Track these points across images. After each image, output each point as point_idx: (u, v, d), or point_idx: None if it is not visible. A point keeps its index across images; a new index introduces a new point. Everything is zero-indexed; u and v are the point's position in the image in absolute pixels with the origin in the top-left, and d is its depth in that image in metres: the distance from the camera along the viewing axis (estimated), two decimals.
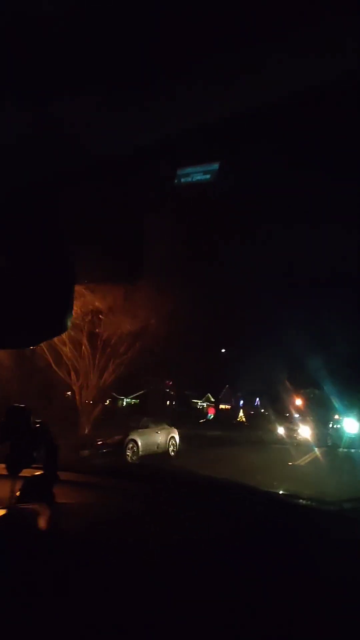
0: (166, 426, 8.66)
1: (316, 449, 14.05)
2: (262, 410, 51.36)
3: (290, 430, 16.61)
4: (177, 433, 8.77)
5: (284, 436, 16.49)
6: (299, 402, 44.75)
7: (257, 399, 52.24)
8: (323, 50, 1.15)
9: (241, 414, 34.20)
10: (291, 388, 42.19)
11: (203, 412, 29.90)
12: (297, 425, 17.23)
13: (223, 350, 27.74)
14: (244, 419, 31.54)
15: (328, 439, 17.80)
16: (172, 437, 8.44)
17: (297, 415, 45.66)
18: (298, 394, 44.61)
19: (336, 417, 58.23)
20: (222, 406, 38.02)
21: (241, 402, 46.84)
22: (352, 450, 15.42)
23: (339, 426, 50.00)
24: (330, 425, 50.05)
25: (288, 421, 17.88)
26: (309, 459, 11.11)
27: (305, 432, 16.69)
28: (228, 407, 38.52)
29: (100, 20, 1.09)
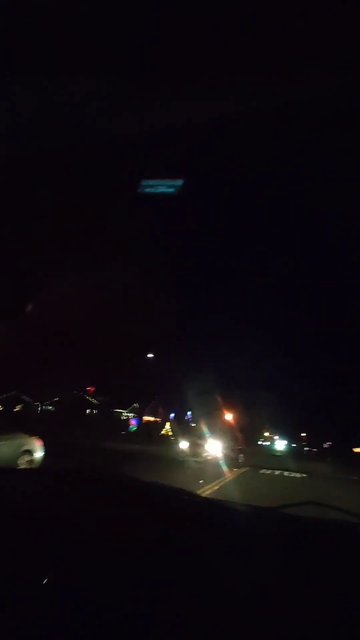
0: (19, 436, 6.11)
1: (229, 471, 11.18)
2: (193, 425, 49.78)
3: (197, 447, 13.28)
4: (38, 445, 6.27)
5: (190, 453, 12.97)
6: (229, 417, 43.69)
7: (189, 413, 50.55)
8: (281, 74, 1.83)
9: (168, 426, 31.87)
10: (222, 403, 41.03)
11: (127, 423, 27.19)
12: (205, 441, 13.76)
13: (150, 356, 25.37)
14: (170, 433, 29.20)
15: (240, 458, 14.90)
16: (27, 451, 5.92)
17: (217, 431, 44.12)
18: (229, 410, 43.74)
19: (266, 434, 58.27)
20: (148, 418, 35.45)
21: (172, 414, 44.68)
22: (277, 472, 13.02)
23: (266, 443, 49.58)
24: (260, 442, 49.42)
25: (199, 436, 14.33)
26: (217, 487, 8.12)
27: (215, 449, 13.42)
28: (157, 419, 36.02)
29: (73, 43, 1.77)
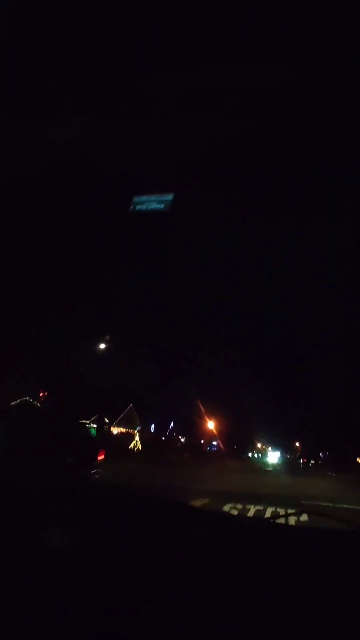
0: None
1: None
2: (176, 435, 44.79)
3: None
4: None
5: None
6: (211, 425, 38.87)
7: (172, 424, 45.58)
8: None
9: (137, 438, 26.98)
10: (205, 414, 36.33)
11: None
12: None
13: (106, 341, 20.52)
14: (139, 446, 24.30)
15: None
16: None
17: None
18: (212, 419, 39.08)
19: (259, 445, 53.19)
20: (117, 430, 30.43)
21: (152, 426, 39.76)
22: (254, 511, 5.54)
23: (257, 455, 44.57)
24: (248, 455, 44.45)
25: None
26: None
27: None
28: (131, 430, 31.00)
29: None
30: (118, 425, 32.51)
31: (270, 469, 21.40)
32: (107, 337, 27.76)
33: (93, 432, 22.67)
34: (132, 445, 24.66)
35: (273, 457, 40.37)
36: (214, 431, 40.75)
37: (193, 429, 43.59)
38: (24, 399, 24.51)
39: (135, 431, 30.03)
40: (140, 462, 18.69)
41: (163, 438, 37.21)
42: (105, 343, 24.29)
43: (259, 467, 23.01)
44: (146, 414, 38.34)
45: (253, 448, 50.65)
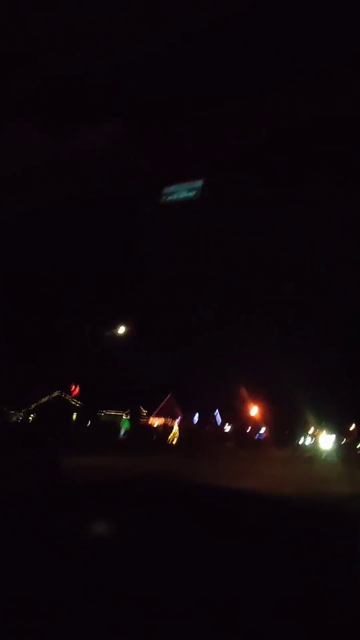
0: None
1: None
2: (221, 424, 42.89)
3: None
4: None
5: None
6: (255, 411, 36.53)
7: (216, 412, 43.75)
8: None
9: (175, 429, 25.37)
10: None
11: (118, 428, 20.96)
12: None
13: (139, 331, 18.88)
14: (176, 438, 22.70)
15: None
16: None
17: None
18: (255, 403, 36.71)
19: (311, 430, 50.08)
20: (155, 420, 29.07)
21: (196, 415, 38.15)
22: None
23: (310, 442, 41.68)
24: (301, 442, 41.68)
25: None
26: None
27: None
28: (170, 421, 29.56)
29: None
30: (157, 416, 31.21)
31: (323, 456, 19.02)
32: (138, 326, 26.31)
33: (126, 424, 21.37)
34: (170, 437, 23.14)
35: (327, 442, 37.37)
36: (261, 417, 38.50)
37: (239, 416, 41.57)
38: (56, 393, 23.64)
39: (175, 422, 28.52)
40: (175, 455, 17.09)
41: (207, 427, 35.44)
42: (138, 333, 22.77)
43: (311, 455, 20.63)
44: (189, 404, 36.83)
45: (305, 433, 47.72)
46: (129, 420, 22.58)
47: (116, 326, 19.24)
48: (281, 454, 20.01)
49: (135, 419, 24.53)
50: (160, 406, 32.29)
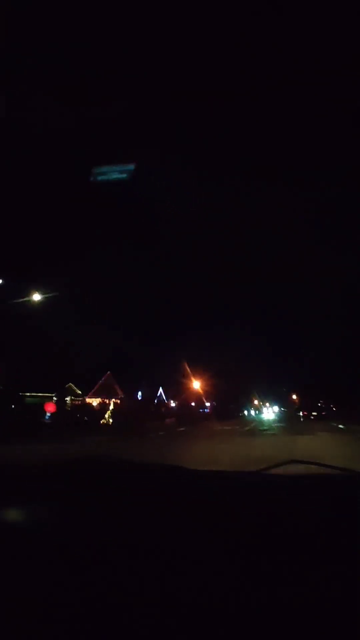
0: None
1: None
2: (167, 401, 41.73)
3: None
4: None
5: None
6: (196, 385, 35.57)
7: (160, 389, 42.37)
8: None
9: (111, 408, 23.39)
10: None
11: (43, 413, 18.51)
12: None
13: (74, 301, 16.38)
14: (110, 420, 20.72)
15: None
16: None
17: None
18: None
19: (256, 402, 50.35)
20: (91, 400, 26.88)
21: (139, 393, 36.40)
22: None
23: (253, 413, 41.67)
24: (243, 413, 41.56)
25: None
26: None
27: None
28: (107, 401, 27.46)
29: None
30: (95, 395, 29.05)
31: (265, 428, 18.02)
32: (72, 300, 23.81)
33: (53, 406, 18.97)
34: (105, 417, 21.11)
35: (269, 413, 37.24)
36: (205, 392, 37.69)
37: (183, 392, 40.55)
38: None
39: (110, 401, 26.51)
40: (107, 436, 15.23)
41: (150, 405, 33.85)
42: (72, 307, 20.19)
43: (253, 427, 19.61)
44: (131, 381, 34.96)
45: (250, 406, 47.91)
46: (57, 401, 20.22)
47: (44, 298, 16.66)
48: (222, 428, 18.78)
49: (63, 399, 22.20)
50: (98, 385, 30.12)
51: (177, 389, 40.31)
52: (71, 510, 1.09)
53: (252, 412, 43.50)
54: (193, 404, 38.09)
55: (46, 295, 14.79)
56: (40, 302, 16.25)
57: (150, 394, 39.52)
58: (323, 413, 33.52)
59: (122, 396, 31.57)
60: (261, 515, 0.97)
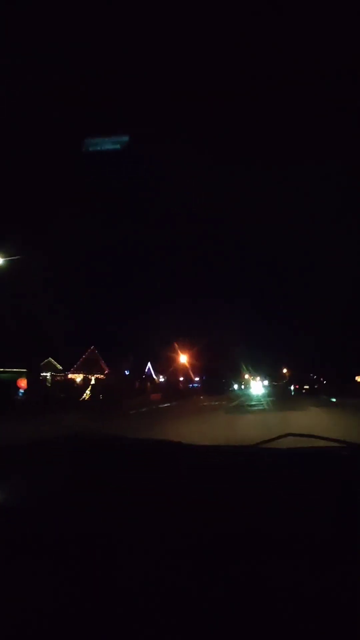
0: None
1: None
2: (156, 376, 40.72)
3: None
4: None
5: None
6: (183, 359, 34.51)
7: (148, 364, 41.29)
8: None
9: (91, 384, 22.18)
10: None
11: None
12: None
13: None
14: (88, 395, 19.56)
15: None
16: None
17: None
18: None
19: (246, 376, 49.58)
20: (74, 377, 25.63)
21: (126, 372, 35.20)
22: None
23: (244, 388, 40.88)
24: (234, 388, 40.72)
25: None
26: None
27: None
28: (90, 377, 26.24)
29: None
30: (77, 371, 27.80)
31: (254, 403, 16.97)
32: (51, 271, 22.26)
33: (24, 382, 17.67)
34: (85, 395, 19.91)
35: (257, 387, 36.32)
36: (195, 367, 36.69)
37: (172, 367, 39.53)
38: None
39: (92, 377, 25.29)
40: (84, 414, 14.08)
41: (136, 381, 32.74)
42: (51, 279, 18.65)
43: (242, 401, 18.53)
44: (118, 357, 33.71)
45: (241, 380, 47.11)
46: (33, 377, 18.92)
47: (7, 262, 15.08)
48: (210, 403, 17.70)
49: (40, 375, 20.94)
50: (81, 360, 28.78)
51: (167, 364, 39.28)
52: (71, 487, 1.05)
53: (242, 387, 42.72)
54: (182, 378, 37.08)
55: (10, 258, 13.24)
56: (7, 268, 14.70)
57: (139, 369, 38.41)
58: (315, 386, 32.78)
59: (107, 371, 30.36)
60: (261, 487, 0.98)
